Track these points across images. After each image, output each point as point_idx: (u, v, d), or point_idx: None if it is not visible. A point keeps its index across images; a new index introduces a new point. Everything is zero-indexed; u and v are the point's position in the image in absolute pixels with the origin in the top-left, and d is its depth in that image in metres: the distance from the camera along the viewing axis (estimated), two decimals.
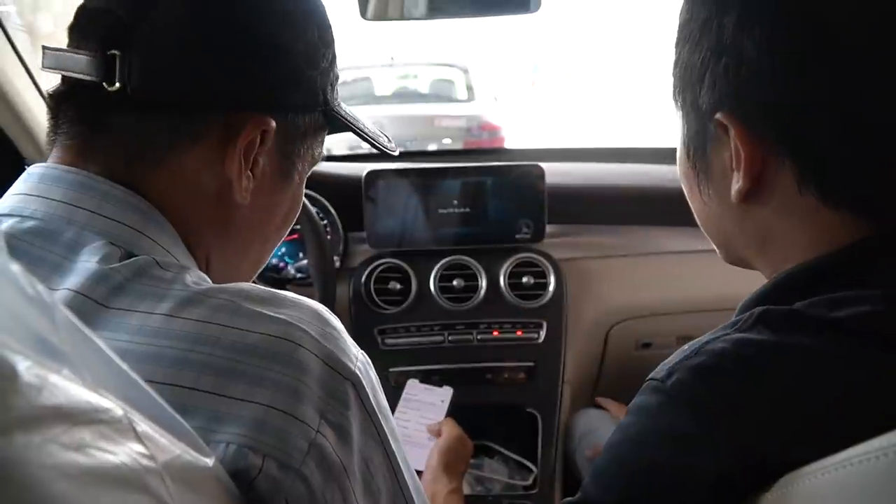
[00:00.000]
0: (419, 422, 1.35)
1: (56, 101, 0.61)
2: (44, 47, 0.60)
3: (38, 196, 0.56)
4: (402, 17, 1.34)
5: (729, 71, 0.56)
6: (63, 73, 0.59)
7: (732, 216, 0.62)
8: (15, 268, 0.31)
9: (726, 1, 0.57)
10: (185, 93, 0.58)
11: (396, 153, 0.80)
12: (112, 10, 0.58)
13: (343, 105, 0.71)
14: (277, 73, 0.62)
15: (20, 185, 0.58)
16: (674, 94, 0.65)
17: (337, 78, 0.69)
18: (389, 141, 0.79)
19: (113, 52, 0.56)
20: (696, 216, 0.69)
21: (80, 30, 0.60)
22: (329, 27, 0.67)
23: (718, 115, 0.58)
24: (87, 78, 0.57)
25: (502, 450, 1.57)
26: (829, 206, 0.56)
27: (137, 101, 0.57)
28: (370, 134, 0.74)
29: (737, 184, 0.59)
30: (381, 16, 1.33)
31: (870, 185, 0.55)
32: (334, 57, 0.68)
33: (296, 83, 0.63)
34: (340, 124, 0.70)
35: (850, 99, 0.53)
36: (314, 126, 0.67)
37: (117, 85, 0.56)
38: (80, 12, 0.60)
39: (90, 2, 0.60)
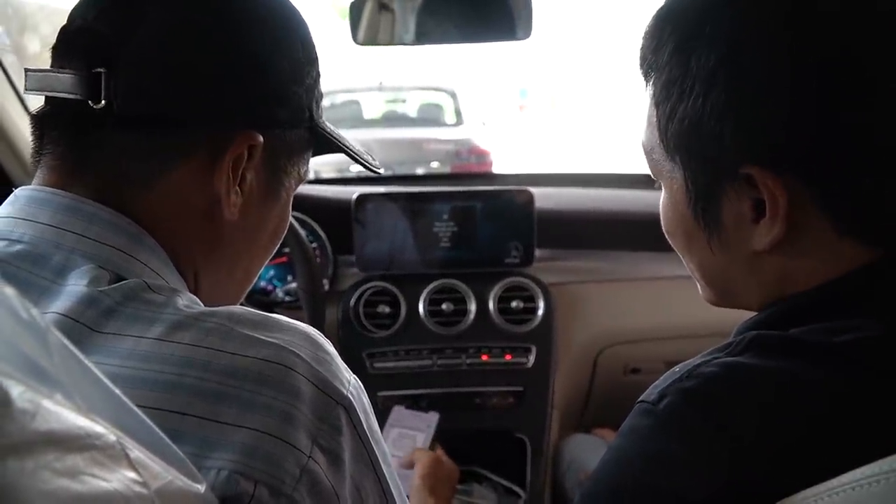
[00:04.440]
0: (404, 447, 1.34)
1: (40, 123, 0.60)
2: (26, 70, 0.60)
3: (25, 219, 0.56)
4: (392, 42, 1.35)
5: (758, 123, 0.54)
6: (47, 93, 0.59)
7: (745, 263, 0.60)
8: (9, 291, 0.31)
9: (739, 50, 0.54)
10: (172, 109, 0.58)
11: (381, 172, 0.80)
12: (95, 29, 0.57)
13: (328, 123, 0.71)
14: (264, 90, 0.62)
15: (7, 209, 0.58)
16: (666, 149, 0.61)
17: (322, 95, 0.69)
18: (374, 160, 0.79)
19: (98, 69, 0.56)
20: (695, 267, 0.66)
21: (64, 49, 0.59)
22: (313, 44, 0.67)
23: (747, 169, 0.55)
24: (72, 96, 0.56)
25: (491, 475, 1.56)
26: (864, 244, 0.55)
27: (124, 119, 0.56)
28: (355, 151, 0.74)
29: (769, 234, 0.56)
30: (372, 41, 1.35)
31: None
32: (318, 74, 0.68)
33: (282, 100, 0.63)
34: (325, 142, 0.70)
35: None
36: (300, 143, 0.67)
37: (103, 103, 0.56)
38: (63, 33, 0.60)
39: (72, 22, 0.60)
